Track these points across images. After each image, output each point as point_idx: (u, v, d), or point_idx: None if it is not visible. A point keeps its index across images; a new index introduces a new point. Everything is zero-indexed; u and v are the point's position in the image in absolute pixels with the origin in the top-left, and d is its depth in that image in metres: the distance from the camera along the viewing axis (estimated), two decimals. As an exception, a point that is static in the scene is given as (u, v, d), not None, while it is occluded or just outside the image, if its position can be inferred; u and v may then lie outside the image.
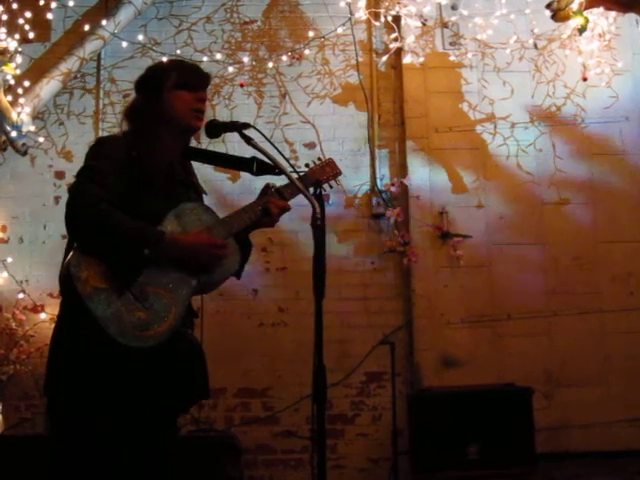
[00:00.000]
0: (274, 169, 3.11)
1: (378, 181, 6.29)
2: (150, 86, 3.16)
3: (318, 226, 2.81)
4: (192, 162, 3.36)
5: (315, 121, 6.42)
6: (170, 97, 3.11)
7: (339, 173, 3.52)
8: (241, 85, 6.39)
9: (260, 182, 3.35)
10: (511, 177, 6.27)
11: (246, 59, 6.42)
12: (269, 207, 3.20)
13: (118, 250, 2.83)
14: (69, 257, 2.83)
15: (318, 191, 3.12)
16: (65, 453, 2.85)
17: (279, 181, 3.24)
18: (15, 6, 5.73)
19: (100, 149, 3.05)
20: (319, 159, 3.50)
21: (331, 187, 3.50)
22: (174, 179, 3.11)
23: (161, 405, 2.93)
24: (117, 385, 2.81)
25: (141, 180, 2.96)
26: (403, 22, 6.19)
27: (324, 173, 3.44)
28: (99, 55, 6.38)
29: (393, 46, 6.19)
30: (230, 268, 3.11)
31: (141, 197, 2.95)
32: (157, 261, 2.87)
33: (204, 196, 3.34)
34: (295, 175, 3.16)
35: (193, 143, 3.33)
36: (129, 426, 2.88)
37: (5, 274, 6.08)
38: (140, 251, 2.82)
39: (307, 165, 3.42)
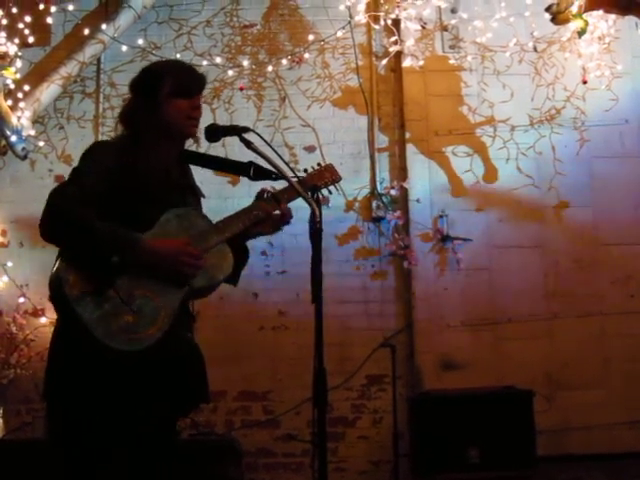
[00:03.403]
0: (271, 174, 3.09)
1: (378, 184, 6.30)
2: (145, 91, 3.13)
3: (316, 230, 2.80)
4: (190, 165, 3.35)
5: (315, 124, 6.43)
6: (166, 105, 3.08)
7: (338, 179, 3.46)
8: (241, 89, 6.39)
9: (260, 186, 3.34)
10: (511, 180, 6.28)
11: (246, 63, 6.42)
12: (262, 217, 3.18)
13: (86, 254, 2.79)
14: (58, 262, 2.83)
15: (315, 196, 3.10)
16: (63, 456, 2.85)
17: (277, 186, 3.24)
18: (15, 10, 5.73)
19: (90, 153, 3.03)
20: (318, 164, 3.47)
21: (330, 193, 3.46)
22: (170, 184, 3.09)
23: (160, 409, 2.93)
24: (112, 389, 2.80)
25: (135, 186, 2.95)
26: (403, 25, 6.19)
27: (322, 178, 3.41)
28: (99, 59, 6.39)
29: (393, 49, 6.18)
30: (224, 272, 3.08)
31: (135, 203, 2.93)
32: (129, 267, 2.82)
33: (202, 199, 3.33)
34: (290, 179, 3.13)
35: (192, 147, 3.32)
36: (128, 430, 2.88)
37: (5, 278, 6.09)
38: (108, 257, 2.78)
39: (305, 170, 3.40)
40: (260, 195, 3.27)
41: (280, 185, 3.18)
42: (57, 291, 2.78)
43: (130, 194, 2.93)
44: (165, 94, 3.08)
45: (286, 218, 3.25)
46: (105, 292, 2.77)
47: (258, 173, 3.19)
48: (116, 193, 2.91)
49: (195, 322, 3.18)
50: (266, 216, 3.19)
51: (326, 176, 3.43)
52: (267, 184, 3.24)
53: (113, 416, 2.82)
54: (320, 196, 3.19)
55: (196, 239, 3.00)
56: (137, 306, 2.81)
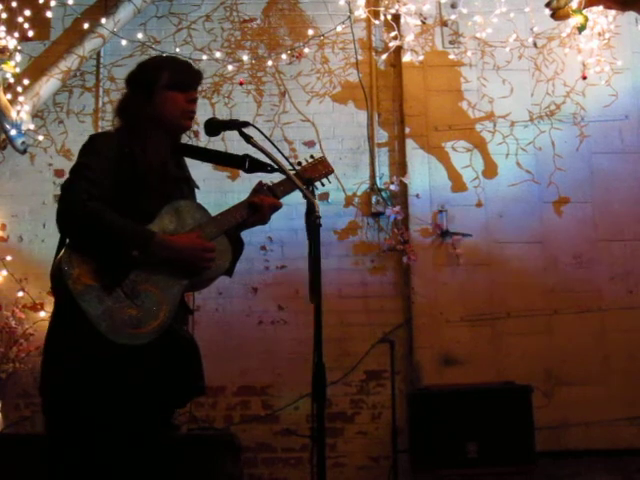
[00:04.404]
0: (266, 167, 3.12)
1: (378, 179, 6.30)
2: (141, 85, 3.16)
3: (314, 223, 2.81)
4: (187, 159, 3.36)
5: (315, 119, 6.42)
6: (161, 98, 3.12)
7: (331, 171, 3.51)
8: (240, 83, 6.38)
9: (257, 180, 3.36)
10: (510, 176, 6.27)
11: (245, 57, 6.42)
12: (257, 204, 3.20)
13: (107, 249, 2.83)
14: (61, 254, 2.84)
15: (310, 189, 3.11)
16: (61, 451, 2.85)
17: (272, 179, 3.25)
18: (14, 4, 5.73)
19: (91, 146, 3.05)
20: (311, 156, 3.49)
21: (323, 185, 3.49)
22: (167, 176, 3.10)
23: (156, 402, 2.93)
24: (111, 383, 2.80)
25: (133, 177, 2.96)
26: (403, 20, 6.19)
27: (316, 171, 3.44)
28: (98, 53, 6.39)
29: (393, 44, 6.19)
30: (221, 267, 3.11)
31: (134, 195, 2.96)
32: (146, 261, 2.87)
33: (197, 190, 3.34)
34: (285, 173, 3.15)
35: (191, 141, 3.32)
36: (124, 424, 2.88)
37: (4, 272, 6.09)
38: (129, 251, 2.82)
39: (299, 163, 3.41)
40: (257, 188, 3.29)
41: (274, 178, 3.19)
42: (59, 284, 2.80)
43: (129, 186, 2.95)
44: (161, 87, 3.11)
45: (277, 209, 3.28)
46: (114, 288, 2.79)
47: (253, 166, 3.21)
48: (116, 185, 2.92)
49: (192, 315, 3.20)
50: (267, 206, 3.20)
51: (319, 169, 3.46)
52: (262, 177, 3.25)
53: (116, 411, 2.83)
54: (315, 188, 3.20)
55: (198, 232, 3.03)
56: (140, 300, 2.83)
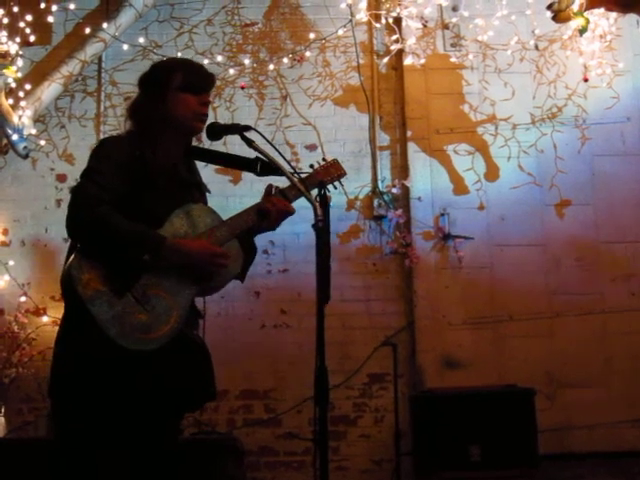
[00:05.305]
0: (278, 170, 3.08)
1: (379, 183, 6.30)
2: (154, 86, 3.14)
3: (320, 228, 2.79)
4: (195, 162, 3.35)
5: (316, 123, 6.43)
6: (174, 100, 3.09)
7: (343, 174, 3.45)
8: (242, 87, 6.39)
9: (262, 184, 3.33)
10: (512, 178, 6.27)
11: (247, 61, 6.42)
12: (265, 210, 3.17)
13: (117, 254, 2.82)
14: (70, 259, 2.83)
15: (322, 192, 3.09)
16: (68, 455, 2.85)
17: (283, 182, 3.22)
18: (16, 9, 5.74)
19: (102, 150, 3.03)
20: (324, 159, 3.43)
21: (335, 188, 3.43)
22: (177, 179, 3.10)
23: (165, 407, 2.93)
24: (119, 388, 2.80)
25: (144, 180, 2.95)
26: (404, 24, 6.20)
27: (328, 174, 3.39)
28: (100, 58, 6.40)
29: (394, 48, 6.19)
30: (232, 271, 3.09)
31: (144, 197, 2.94)
32: (157, 266, 2.86)
33: (207, 195, 3.33)
34: (297, 176, 3.14)
35: (194, 143, 3.31)
36: (132, 429, 2.88)
37: (7, 277, 6.09)
38: (139, 256, 2.82)
39: (311, 166, 3.39)
40: (268, 191, 3.26)
41: (285, 181, 3.16)
42: (69, 289, 2.79)
43: (139, 189, 2.94)
44: (173, 89, 3.09)
45: (290, 214, 3.25)
46: (124, 293, 2.79)
47: (265, 168, 3.19)
48: (126, 189, 2.92)
49: (203, 319, 3.20)
50: (276, 212, 3.17)
51: (332, 171, 3.41)
52: (273, 180, 3.23)
53: (124, 416, 2.83)
54: (327, 192, 3.17)
55: (209, 236, 3.02)
56: (151, 305, 2.82)
